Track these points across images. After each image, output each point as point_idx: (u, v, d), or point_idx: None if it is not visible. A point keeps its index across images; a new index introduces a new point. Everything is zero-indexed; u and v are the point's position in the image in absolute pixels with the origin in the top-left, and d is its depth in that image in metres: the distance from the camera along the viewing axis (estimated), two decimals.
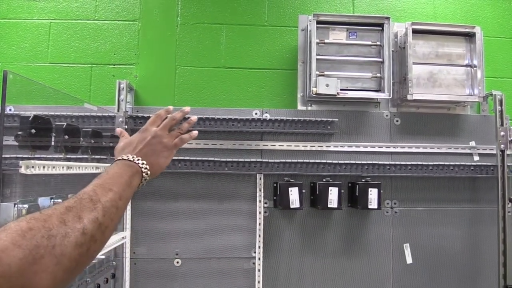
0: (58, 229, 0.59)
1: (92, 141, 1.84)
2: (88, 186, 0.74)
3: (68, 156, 1.60)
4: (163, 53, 2.49)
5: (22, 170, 1.26)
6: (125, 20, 2.51)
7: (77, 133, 1.69)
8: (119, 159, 0.90)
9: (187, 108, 1.06)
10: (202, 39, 2.51)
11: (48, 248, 0.57)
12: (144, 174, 0.90)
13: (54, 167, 1.40)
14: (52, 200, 1.50)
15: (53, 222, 0.60)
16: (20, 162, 1.26)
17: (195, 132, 1.06)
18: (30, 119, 1.38)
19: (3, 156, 2.30)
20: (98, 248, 0.68)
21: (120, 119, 2.27)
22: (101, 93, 2.45)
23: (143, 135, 0.98)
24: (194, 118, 1.07)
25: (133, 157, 0.90)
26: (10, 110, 2.41)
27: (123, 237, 2.09)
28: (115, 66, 2.48)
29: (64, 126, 1.57)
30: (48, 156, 1.52)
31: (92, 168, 1.75)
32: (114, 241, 1.95)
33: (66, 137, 1.57)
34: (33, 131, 1.38)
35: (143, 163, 0.90)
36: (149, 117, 2.30)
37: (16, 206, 1.33)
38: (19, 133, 1.35)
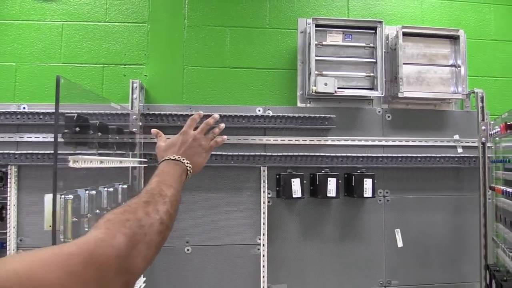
0: (145, 219, 0.72)
1: (117, 137, 1.99)
2: (152, 183, 0.89)
3: (99, 152, 1.75)
4: (172, 54, 2.65)
5: (70, 164, 1.41)
6: (135, 22, 2.65)
7: (106, 130, 1.84)
8: (167, 159, 1.04)
9: (216, 115, 1.21)
10: (208, 41, 2.67)
11: (141, 236, 0.68)
12: (188, 172, 1.05)
13: (91, 161, 1.55)
14: (87, 192, 1.66)
15: (140, 214, 0.73)
16: (69, 157, 1.41)
17: (225, 137, 1.22)
18: (74, 118, 1.53)
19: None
20: (168, 234, 0.82)
21: (134, 116, 2.42)
22: (112, 92, 2.59)
23: (185, 137, 1.12)
24: (222, 125, 1.23)
25: (179, 157, 1.04)
26: (23, 108, 2.54)
27: None
28: (126, 66, 2.63)
29: (97, 124, 1.72)
30: (87, 151, 1.67)
31: (118, 162, 1.90)
32: None
33: (99, 134, 1.72)
34: (77, 129, 1.52)
35: (187, 163, 1.04)
36: (160, 115, 2.47)
37: (62, 197, 1.48)
38: (66, 131, 1.49)
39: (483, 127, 2.64)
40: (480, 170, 2.63)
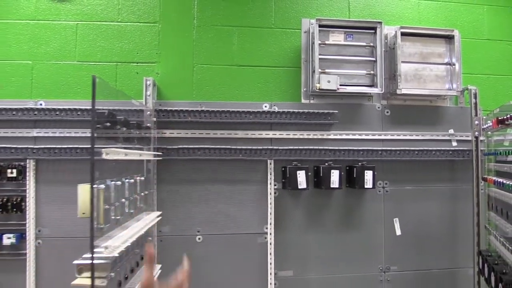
0: None
1: (137, 132, 2.12)
2: None
3: (124, 146, 1.88)
4: (182, 53, 2.77)
5: (104, 156, 1.53)
6: (146, 22, 2.77)
7: (129, 125, 1.97)
8: None
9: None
10: (216, 40, 2.80)
11: None
12: None
13: (120, 154, 1.68)
14: (113, 183, 1.78)
15: None
16: (102, 150, 1.54)
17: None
18: (105, 114, 1.65)
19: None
20: None
21: (148, 112, 2.55)
22: (126, 89, 2.70)
23: None
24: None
25: None
26: (40, 104, 2.65)
27: (158, 216, 2.38)
28: (138, 64, 2.75)
29: (122, 120, 1.85)
30: (114, 145, 1.79)
31: (138, 155, 2.04)
32: (151, 219, 2.24)
33: (124, 129, 1.85)
34: (108, 124, 1.65)
35: None
36: (171, 111, 2.59)
37: (95, 186, 1.60)
38: (98, 126, 1.62)
39: (476, 122, 2.80)
40: (473, 162, 2.79)
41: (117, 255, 1.65)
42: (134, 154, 1.96)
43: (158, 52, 2.76)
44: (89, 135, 2.60)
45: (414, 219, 2.86)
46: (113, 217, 1.80)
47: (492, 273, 2.29)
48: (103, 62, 2.73)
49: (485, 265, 2.45)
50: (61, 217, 2.59)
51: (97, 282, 1.60)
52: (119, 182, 1.83)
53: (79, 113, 2.63)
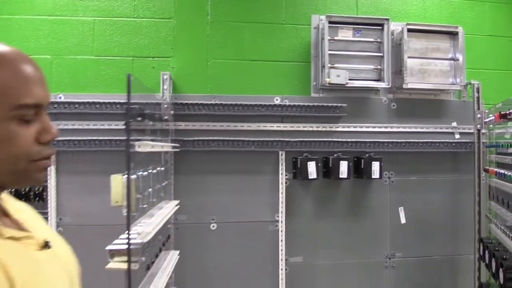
0: None
1: (160, 124, 2.23)
2: None
3: (151, 138, 1.98)
4: (196, 48, 2.87)
5: (137, 149, 1.64)
6: (161, 18, 2.86)
7: (154, 119, 2.07)
8: None
9: None
10: (229, 36, 2.90)
11: None
12: None
13: (147, 146, 1.79)
14: (141, 173, 1.89)
15: None
16: (136, 142, 1.64)
17: None
18: (137, 108, 1.75)
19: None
20: None
21: (166, 105, 2.65)
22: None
23: None
24: None
25: None
26: (60, 98, 2.75)
27: (176, 205, 2.49)
28: (154, 58, 2.84)
29: (149, 113, 1.95)
30: (144, 138, 1.90)
31: (161, 147, 2.14)
32: (171, 208, 2.36)
33: (151, 122, 1.96)
34: (139, 118, 1.75)
35: None
36: (187, 104, 2.69)
37: (125, 176, 1.71)
38: (130, 120, 1.72)
39: (479, 115, 2.93)
40: (475, 154, 2.92)
41: (149, 240, 1.76)
42: (158, 146, 2.07)
43: (173, 47, 2.86)
44: (107, 127, 2.75)
45: (418, 208, 2.99)
46: (140, 206, 1.91)
47: (493, 259, 2.42)
48: (120, 56, 2.82)
49: (486, 251, 2.59)
50: (81, 206, 2.70)
51: (131, 265, 1.72)
52: (145, 173, 1.94)
53: (97, 106, 2.73)
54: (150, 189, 1.99)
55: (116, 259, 1.80)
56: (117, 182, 1.75)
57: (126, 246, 1.68)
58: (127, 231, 1.59)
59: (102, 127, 2.73)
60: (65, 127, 2.73)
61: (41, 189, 2.68)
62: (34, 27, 2.77)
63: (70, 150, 2.70)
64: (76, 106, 2.72)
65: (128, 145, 1.59)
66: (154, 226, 1.84)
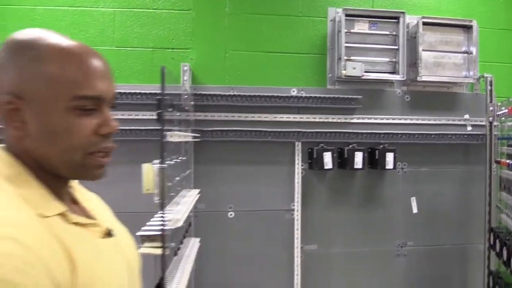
0: None
1: (184, 115, 2.29)
2: None
3: (178, 128, 2.05)
4: (215, 39, 2.91)
5: (168, 139, 1.71)
6: (181, 10, 2.90)
7: (180, 109, 2.13)
8: None
9: None
10: (247, 28, 2.94)
11: None
12: None
13: (176, 136, 1.86)
14: (168, 162, 1.96)
15: None
16: (168, 132, 1.70)
17: None
18: (168, 99, 1.81)
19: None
20: None
21: (186, 96, 2.71)
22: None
23: None
24: None
25: None
26: None
27: (198, 193, 2.56)
28: (173, 50, 2.89)
29: (177, 104, 2.01)
30: (172, 128, 1.96)
31: (184, 137, 2.21)
32: (193, 196, 2.43)
33: (178, 113, 2.02)
34: (170, 109, 1.81)
35: None
36: (205, 95, 2.74)
37: (156, 165, 1.77)
38: (160, 110, 1.78)
39: (491, 108, 2.98)
40: (487, 146, 2.98)
41: (179, 226, 1.83)
42: (184, 136, 2.13)
43: (192, 39, 2.90)
44: (129, 117, 2.80)
45: (429, 198, 3.06)
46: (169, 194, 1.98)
47: (504, 248, 2.50)
48: (140, 47, 2.87)
49: (497, 240, 2.66)
50: (107, 194, 2.76)
51: (160, 250, 1.80)
52: (172, 162, 2.01)
53: (117, 96, 2.77)
54: (178, 178, 2.05)
55: (146, 244, 1.87)
56: (149, 170, 1.82)
57: (156, 232, 1.76)
58: (161, 217, 1.66)
59: (122, 117, 2.78)
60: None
61: None
62: (55, 18, 2.81)
63: None
64: None
65: (162, 135, 1.65)
66: (182, 213, 1.91)
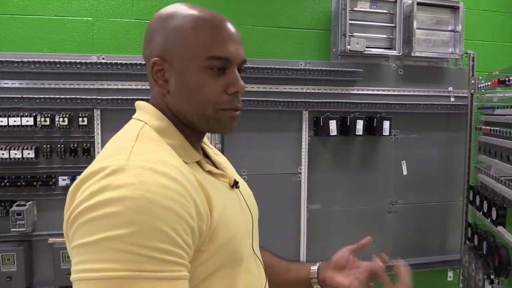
0: None
1: None
2: None
3: None
4: (229, 14, 2.99)
5: None
6: None
7: None
8: None
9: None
10: (259, 3, 3.13)
11: None
12: None
13: None
14: None
15: None
16: None
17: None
18: None
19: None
20: None
21: None
22: None
23: None
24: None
25: None
26: (103, 59, 2.91)
27: None
28: None
29: None
30: None
31: None
32: None
33: None
34: None
35: None
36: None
37: None
38: None
39: (472, 81, 3.36)
40: (468, 115, 3.38)
41: None
42: None
43: None
44: (148, 87, 2.94)
45: (417, 161, 3.45)
46: None
47: (485, 201, 2.92)
48: None
49: (477, 196, 3.09)
50: None
51: None
52: None
53: (138, 67, 2.92)
54: None
55: None
56: None
57: None
58: None
59: (143, 87, 2.94)
60: (108, 86, 2.92)
61: (88, 145, 2.90)
62: None
63: (114, 108, 2.90)
64: (119, 66, 2.90)
65: None
66: None
